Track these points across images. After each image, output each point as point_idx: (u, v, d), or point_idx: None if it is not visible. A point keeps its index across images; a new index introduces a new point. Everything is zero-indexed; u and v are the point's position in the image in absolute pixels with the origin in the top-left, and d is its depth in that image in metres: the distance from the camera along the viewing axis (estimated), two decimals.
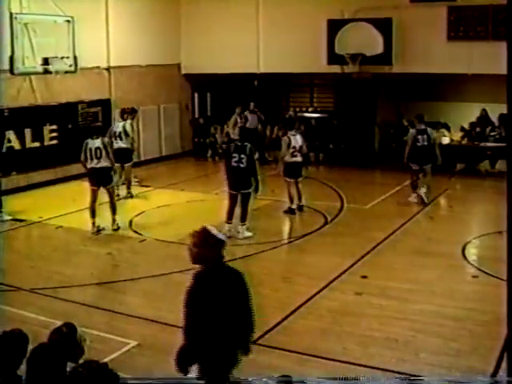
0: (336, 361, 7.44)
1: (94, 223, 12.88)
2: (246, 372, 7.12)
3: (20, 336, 4.79)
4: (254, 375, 6.97)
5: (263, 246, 11.85)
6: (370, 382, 6.99)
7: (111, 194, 13.14)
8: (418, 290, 9.59)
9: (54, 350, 4.72)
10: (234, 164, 12.24)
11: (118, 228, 13.02)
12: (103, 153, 12.77)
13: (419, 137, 15.10)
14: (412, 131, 15.42)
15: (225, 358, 5.45)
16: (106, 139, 13.28)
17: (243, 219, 12.50)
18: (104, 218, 13.16)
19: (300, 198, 14.25)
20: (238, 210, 12.55)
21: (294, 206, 14.18)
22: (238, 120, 20.10)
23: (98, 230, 12.88)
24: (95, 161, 12.77)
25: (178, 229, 13.18)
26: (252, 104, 20.60)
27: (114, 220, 13.07)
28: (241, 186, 12.33)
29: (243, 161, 12.18)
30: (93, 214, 12.87)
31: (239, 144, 12.46)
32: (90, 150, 12.77)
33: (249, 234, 12.48)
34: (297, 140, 14.19)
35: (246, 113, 20.53)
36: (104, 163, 12.82)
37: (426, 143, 15.05)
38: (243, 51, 20.19)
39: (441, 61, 17.64)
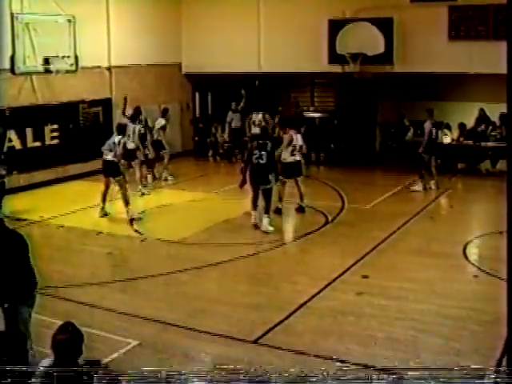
0: (337, 361, 7.43)
1: (102, 208, 13.96)
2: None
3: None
4: (255, 375, 6.98)
5: (264, 246, 11.86)
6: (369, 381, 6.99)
7: (121, 186, 13.81)
8: (418, 290, 9.59)
9: (61, 349, 4.70)
10: (255, 160, 12.83)
11: (133, 219, 13.60)
12: (116, 148, 13.73)
13: (433, 130, 16.12)
14: (428, 124, 16.14)
15: (17, 300, 6.71)
16: (124, 139, 14.11)
17: (267, 211, 12.88)
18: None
19: (302, 198, 14.18)
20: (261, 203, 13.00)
21: (281, 206, 14.10)
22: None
23: (105, 215, 13.93)
24: (108, 154, 13.82)
25: (178, 228, 13.23)
26: (234, 103, 20.54)
27: (127, 211, 13.70)
28: (260, 181, 12.83)
29: (263, 157, 12.77)
30: (103, 200, 13.96)
31: (261, 142, 13.08)
32: (109, 144, 13.93)
33: (270, 228, 12.75)
34: (298, 139, 14.17)
35: (230, 113, 20.75)
36: (113, 157, 13.77)
37: (435, 137, 16.20)
38: (244, 51, 20.19)
39: (442, 60, 17.63)
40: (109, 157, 13.81)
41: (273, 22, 19.91)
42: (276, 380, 4.54)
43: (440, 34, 17.78)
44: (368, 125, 20.07)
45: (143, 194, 16.00)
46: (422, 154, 16.17)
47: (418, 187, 16.15)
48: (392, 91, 20.43)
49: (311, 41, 19.03)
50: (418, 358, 7.46)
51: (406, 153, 19.37)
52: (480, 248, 12.14)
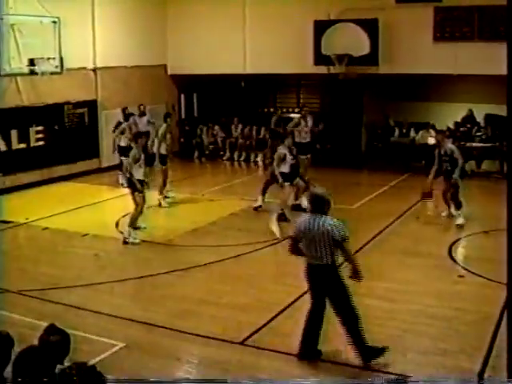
0: (324, 361, 7.45)
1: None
2: (234, 372, 7.15)
3: (5, 338, 4.74)
4: (243, 376, 7.00)
5: (251, 247, 11.84)
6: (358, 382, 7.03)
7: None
8: (405, 290, 9.62)
9: (44, 351, 4.67)
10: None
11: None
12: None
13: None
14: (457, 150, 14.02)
15: None
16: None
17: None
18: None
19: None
20: None
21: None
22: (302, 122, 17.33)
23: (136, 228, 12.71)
24: None
25: (164, 230, 13.21)
26: (142, 106, 19.53)
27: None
28: None
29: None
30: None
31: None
32: None
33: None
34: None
35: (135, 116, 18.05)
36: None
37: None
38: (230, 52, 20.19)
39: (427, 61, 17.70)
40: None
41: (258, 23, 19.92)
42: None
43: (425, 35, 17.85)
44: (354, 125, 20.09)
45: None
46: (457, 180, 13.29)
47: (462, 221, 13.27)
48: (377, 92, 20.49)
49: (297, 42, 19.05)
50: (404, 358, 7.49)
51: (392, 153, 19.49)
52: (465, 248, 12.22)
